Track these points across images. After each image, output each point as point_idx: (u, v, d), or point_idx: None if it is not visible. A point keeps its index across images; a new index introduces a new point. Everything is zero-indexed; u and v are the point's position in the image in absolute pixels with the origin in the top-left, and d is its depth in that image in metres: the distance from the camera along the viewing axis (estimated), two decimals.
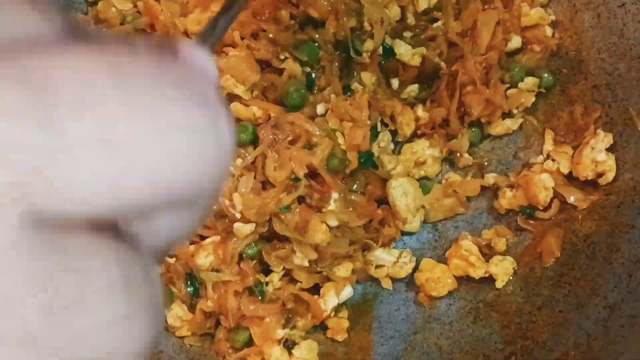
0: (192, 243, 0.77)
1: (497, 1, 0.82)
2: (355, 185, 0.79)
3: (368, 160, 0.79)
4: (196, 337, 0.81)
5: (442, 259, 0.83)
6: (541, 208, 0.82)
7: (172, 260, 0.78)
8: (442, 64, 0.82)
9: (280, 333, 0.78)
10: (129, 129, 0.16)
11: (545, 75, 0.85)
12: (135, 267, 0.18)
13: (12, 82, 0.15)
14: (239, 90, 0.76)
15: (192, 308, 0.80)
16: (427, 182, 0.84)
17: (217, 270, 0.76)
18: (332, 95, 0.78)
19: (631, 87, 0.80)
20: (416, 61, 0.81)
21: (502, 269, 0.81)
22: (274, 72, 0.79)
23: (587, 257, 0.80)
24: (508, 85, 0.83)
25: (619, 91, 0.81)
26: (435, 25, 0.83)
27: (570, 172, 0.82)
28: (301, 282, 0.79)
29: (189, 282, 0.78)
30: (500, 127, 0.85)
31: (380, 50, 0.80)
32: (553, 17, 0.86)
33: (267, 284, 0.78)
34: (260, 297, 0.77)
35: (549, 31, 0.86)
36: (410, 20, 0.82)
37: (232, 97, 0.77)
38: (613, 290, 0.74)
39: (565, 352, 0.74)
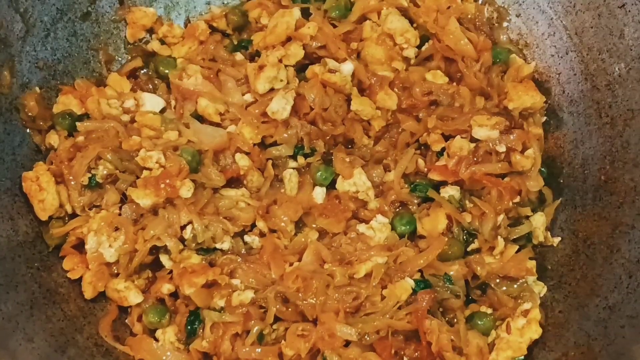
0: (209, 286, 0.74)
1: None
2: None
3: None
4: None
5: None
6: None
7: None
8: None
9: None
10: None
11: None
12: None
13: None
14: None
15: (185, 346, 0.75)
16: None
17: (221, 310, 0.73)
18: None
19: (631, 87, 0.80)
20: None
21: None
22: None
23: (587, 257, 0.80)
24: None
25: (619, 91, 0.82)
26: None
27: None
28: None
29: (191, 317, 0.74)
30: None
31: None
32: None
33: (273, 330, 0.74)
34: (258, 340, 0.73)
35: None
36: None
37: None
38: (613, 290, 0.74)
39: (565, 352, 0.73)
